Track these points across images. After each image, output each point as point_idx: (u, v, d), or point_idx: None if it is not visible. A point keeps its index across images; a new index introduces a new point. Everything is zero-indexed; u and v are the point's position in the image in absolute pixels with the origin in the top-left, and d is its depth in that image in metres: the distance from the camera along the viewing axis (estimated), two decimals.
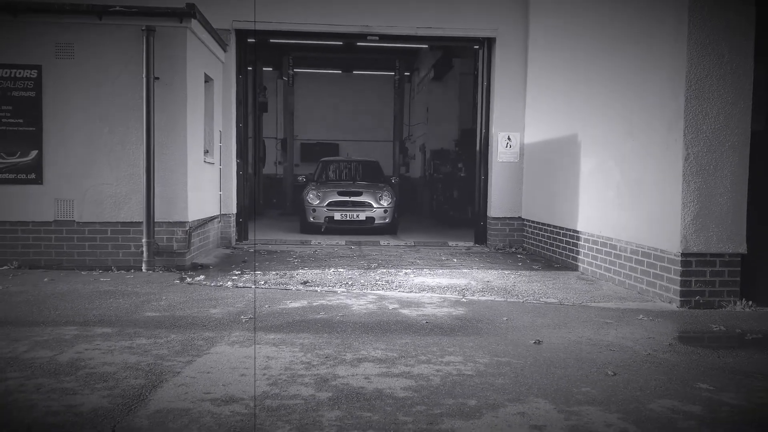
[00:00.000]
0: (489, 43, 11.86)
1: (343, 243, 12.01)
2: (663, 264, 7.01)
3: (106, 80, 8.61)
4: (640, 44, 7.54)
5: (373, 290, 7.30)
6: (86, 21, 8.58)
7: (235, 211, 11.68)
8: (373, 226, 13.65)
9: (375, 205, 13.75)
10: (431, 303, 6.60)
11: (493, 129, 11.85)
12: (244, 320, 5.64)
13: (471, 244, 12.13)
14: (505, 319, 5.91)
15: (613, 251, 8.16)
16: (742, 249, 6.73)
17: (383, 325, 5.52)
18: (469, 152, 14.18)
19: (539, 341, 5.09)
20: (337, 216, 13.61)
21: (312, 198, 13.87)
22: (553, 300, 6.92)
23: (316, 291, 7.22)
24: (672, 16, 6.86)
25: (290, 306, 6.31)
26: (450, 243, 12.23)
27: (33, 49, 8.56)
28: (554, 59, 10.44)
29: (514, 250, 11.52)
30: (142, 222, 8.58)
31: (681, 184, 6.64)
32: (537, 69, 11.29)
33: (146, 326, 5.36)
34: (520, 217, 11.81)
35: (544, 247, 10.64)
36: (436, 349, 4.78)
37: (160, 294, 6.88)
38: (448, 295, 7.06)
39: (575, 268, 9.30)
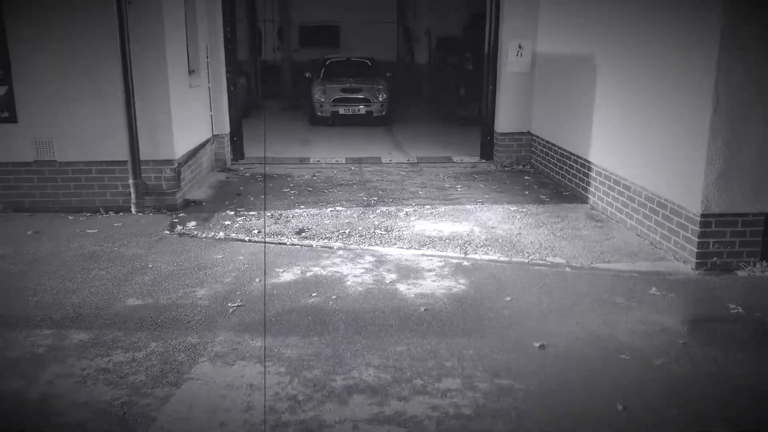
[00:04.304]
0: None
1: (344, 161, 11.48)
2: (680, 220, 6.54)
3: (73, 2, 7.76)
4: None
5: (371, 246, 6.95)
6: None
7: (228, 131, 11.03)
8: (373, 117, 15.62)
9: (373, 100, 15.64)
10: (431, 270, 6.24)
11: (503, 35, 10.88)
12: (231, 311, 5.32)
13: (477, 159, 11.56)
14: (508, 299, 5.57)
15: (627, 192, 7.66)
16: None
17: (378, 318, 5.19)
18: (478, 41, 12.92)
19: (544, 346, 4.76)
20: (342, 111, 15.57)
21: (319, 95, 15.74)
22: (560, 260, 6.54)
23: (312, 247, 6.89)
24: None
25: (282, 280, 5.98)
26: (455, 158, 11.66)
27: None
28: None
29: (521, 167, 10.98)
30: (127, 161, 8.07)
31: (707, 139, 6.03)
32: None
33: (126, 326, 5.04)
34: (528, 132, 11.14)
35: (553, 169, 10.09)
36: (432, 365, 4.46)
37: (146, 258, 6.55)
38: (449, 253, 6.70)
39: (585, 200, 8.83)
